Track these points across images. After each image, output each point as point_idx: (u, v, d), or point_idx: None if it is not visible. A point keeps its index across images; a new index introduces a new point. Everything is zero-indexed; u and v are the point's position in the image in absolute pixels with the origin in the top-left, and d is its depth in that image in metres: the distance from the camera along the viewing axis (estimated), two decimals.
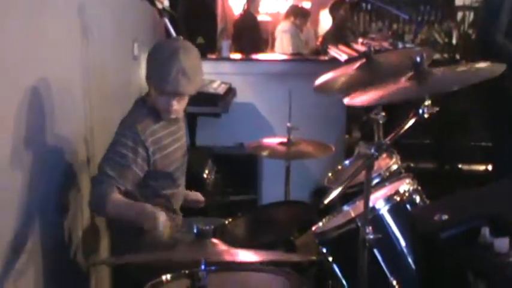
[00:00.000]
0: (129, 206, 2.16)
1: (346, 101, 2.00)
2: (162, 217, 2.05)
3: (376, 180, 2.36)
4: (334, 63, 4.24)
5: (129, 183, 2.21)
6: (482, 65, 1.94)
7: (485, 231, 1.68)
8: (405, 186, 2.18)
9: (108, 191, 2.11)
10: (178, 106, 2.32)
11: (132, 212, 2.15)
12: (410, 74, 1.89)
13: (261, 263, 1.86)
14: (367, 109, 2.40)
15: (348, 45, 5.05)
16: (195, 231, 1.60)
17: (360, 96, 2.00)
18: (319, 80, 2.45)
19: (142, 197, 2.31)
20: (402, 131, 1.86)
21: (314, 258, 2.13)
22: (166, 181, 2.39)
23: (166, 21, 2.77)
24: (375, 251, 2.02)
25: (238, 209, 2.57)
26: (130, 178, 2.19)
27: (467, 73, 1.94)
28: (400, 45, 4.65)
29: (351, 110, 4.45)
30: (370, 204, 1.94)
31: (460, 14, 5.34)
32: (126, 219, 2.18)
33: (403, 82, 1.90)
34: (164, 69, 2.23)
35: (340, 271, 2.11)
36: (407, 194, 2.14)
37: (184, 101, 2.34)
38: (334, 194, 2.04)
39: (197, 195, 2.69)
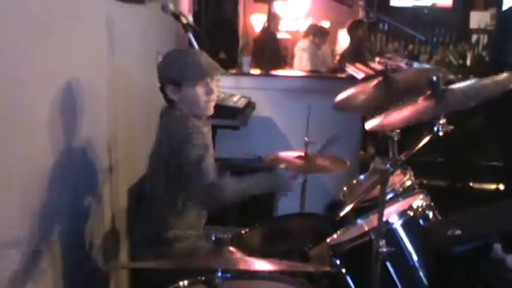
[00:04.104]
0: (244, 182, 2.22)
1: (368, 126, 1.99)
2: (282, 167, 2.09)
3: (390, 195, 2.38)
4: (352, 80, 4.30)
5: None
6: (498, 77, 1.87)
7: (497, 247, 1.71)
8: (418, 201, 2.20)
9: (213, 179, 2.14)
10: (212, 97, 2.38)
11: (252, 185, 2.24)
12: (427, 93, 1.86)
13: (275, 272, 1.89)
14: None
15: (365, 64, 5.11)
16: (213, 239, 1.64)
17: (380, 120, 1.99)
18: (339, 97, 2.48)
19: (178, 200, 2.34)
20: (416, 148, 1.85)
21: (328, 268, 2.16)
22: None
23: (190, 35, 2.84)
24: (388, 264, 2.04)
25: (255, 220, 2.60)
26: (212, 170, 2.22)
27: (484, 86, 1.88)
28: (416, 65, 4.69)
29: None
30: (384, 218, 1.96)
31: (474, 37, 5.37)
32: (250, 193, 2.25)
33: (421, 102, 1.87)
34: (192, 61, 2.33)
35: (353, 283, 2.13)
36: (420, 210, 2.16)
37: (215, 93, 2.40)
38: (350, 207, 2.08)
39: None
